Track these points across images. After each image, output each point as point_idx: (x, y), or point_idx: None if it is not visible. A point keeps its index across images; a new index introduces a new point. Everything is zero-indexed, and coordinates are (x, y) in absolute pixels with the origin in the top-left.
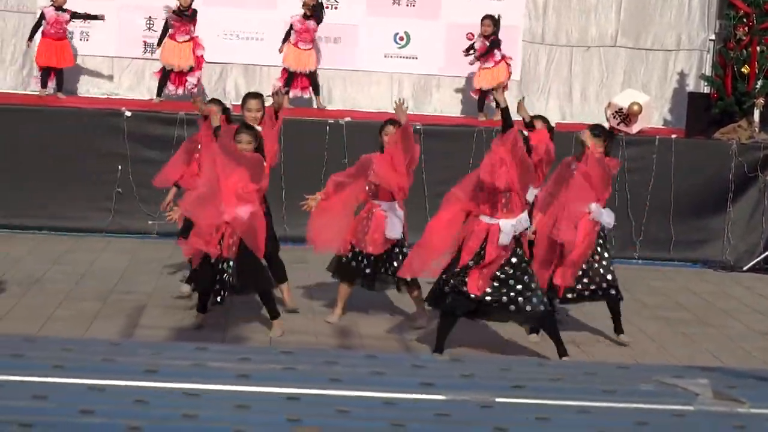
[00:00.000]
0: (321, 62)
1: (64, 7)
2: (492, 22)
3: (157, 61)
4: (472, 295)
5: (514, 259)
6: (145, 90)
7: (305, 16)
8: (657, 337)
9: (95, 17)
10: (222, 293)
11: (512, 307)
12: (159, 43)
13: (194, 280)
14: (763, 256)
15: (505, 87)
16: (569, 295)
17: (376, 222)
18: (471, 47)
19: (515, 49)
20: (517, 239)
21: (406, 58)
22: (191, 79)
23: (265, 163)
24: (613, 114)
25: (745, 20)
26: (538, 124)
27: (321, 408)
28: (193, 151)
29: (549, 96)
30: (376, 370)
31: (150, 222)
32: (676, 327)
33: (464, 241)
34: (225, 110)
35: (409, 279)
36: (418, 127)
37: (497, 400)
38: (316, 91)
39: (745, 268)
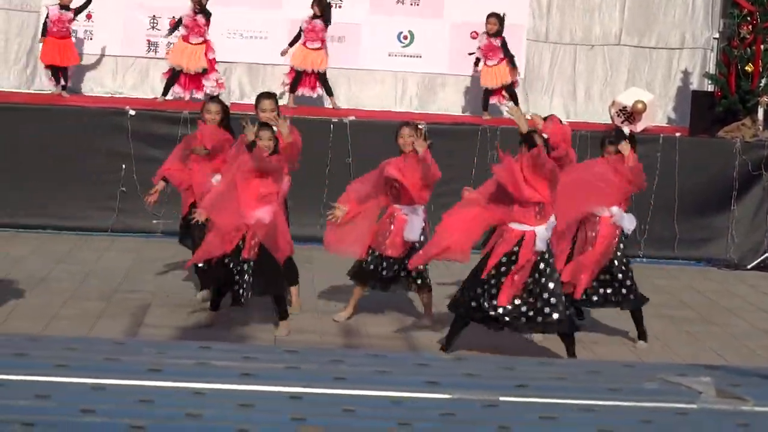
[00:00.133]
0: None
1: (69, 6)
2: (497, 20)
3: (162, 60)
4: (500, 309)
5: (542, 265)
6: (149, 89)
7: (313, 16)
8: (661, 335)
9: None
10: (242, 294)
11: (539, 319)
12: (171, 32)
13: (208, 281)
14: (767, 254)
15: (516, 86)
16: (594, 298)
17: (398, 226)
18: (477, 62)
19: (519, 48)
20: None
21: (411, 57)
22: (208, 83)
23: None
24: (617, 112)
25: (749, 18)
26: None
27: (326, 407)
28: (189, 150)
29: (553, 95)
30: (381, 369)
31: (154, 221)
32: (680, 325)
33: (493, 249)
34: (225, 109)
35: (419, 282)
36: (422, 126)
37: (501, 398)
38: (329, 93)
39: (749, 267)
